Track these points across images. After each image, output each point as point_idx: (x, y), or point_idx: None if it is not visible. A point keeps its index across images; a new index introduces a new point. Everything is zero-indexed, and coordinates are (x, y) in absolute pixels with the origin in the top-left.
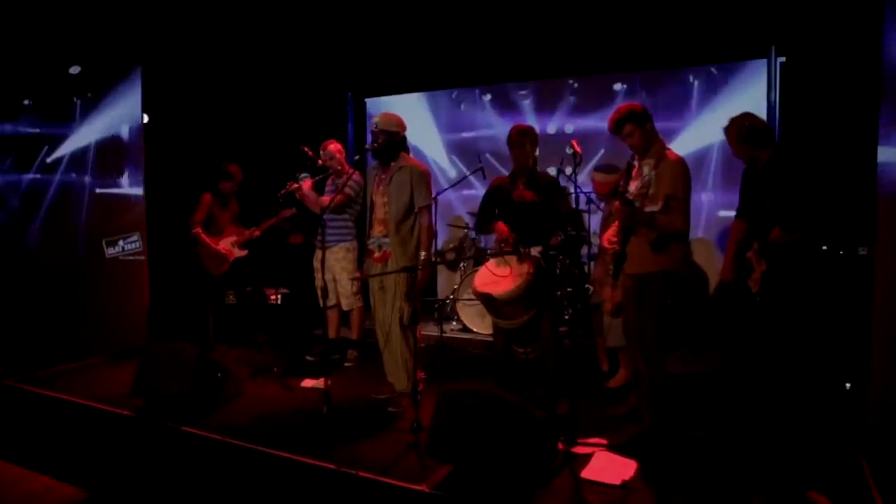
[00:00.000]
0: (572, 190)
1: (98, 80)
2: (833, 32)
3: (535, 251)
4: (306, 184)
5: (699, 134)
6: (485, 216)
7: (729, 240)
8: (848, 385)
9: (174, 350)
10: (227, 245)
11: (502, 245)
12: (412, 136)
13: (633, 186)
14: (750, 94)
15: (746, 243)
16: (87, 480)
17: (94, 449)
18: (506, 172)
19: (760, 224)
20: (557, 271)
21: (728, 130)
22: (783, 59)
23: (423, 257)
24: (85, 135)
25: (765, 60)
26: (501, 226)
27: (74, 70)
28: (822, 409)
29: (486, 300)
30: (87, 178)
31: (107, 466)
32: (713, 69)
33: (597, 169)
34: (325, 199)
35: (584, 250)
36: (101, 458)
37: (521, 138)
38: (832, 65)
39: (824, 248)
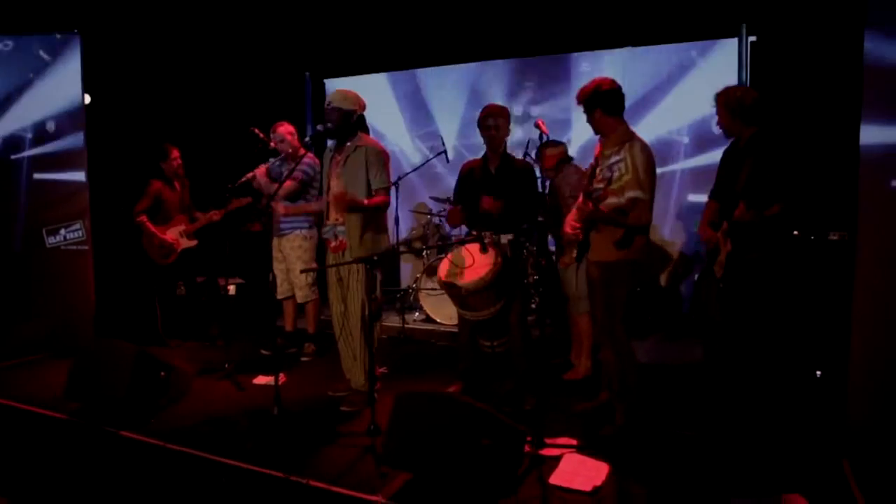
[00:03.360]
0: (538, 173)
1: (33, 54)
2: (805, 11)
3: (504, 239)
4: (259, 171)
5: (668, 115)
6: (460, 203)
7: (701, 222)
8: (818, 373)
9: (111, 348)
10: (175, 234)
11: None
12: (374, 119)
13: (596, 175)
14: (720, 74)
15: (715, 224)
16: (13, 490)
17: (24, 455)
18: (469, 156)
19: (731, 204)
20: (525, 259)
21: (719, 97)
22: (754, 38)
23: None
24: (21, 114)
25: (735, 39)
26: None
27: (6, 45)
28: (797, 401)
29: (451, 291)
30: (25, 162)
31: (37, 475)
32: (683, 48)
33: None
34: (275, 185)
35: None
36: (30, 466)
37: (494, 118)
38: (804, 44)
39: (795, 232)
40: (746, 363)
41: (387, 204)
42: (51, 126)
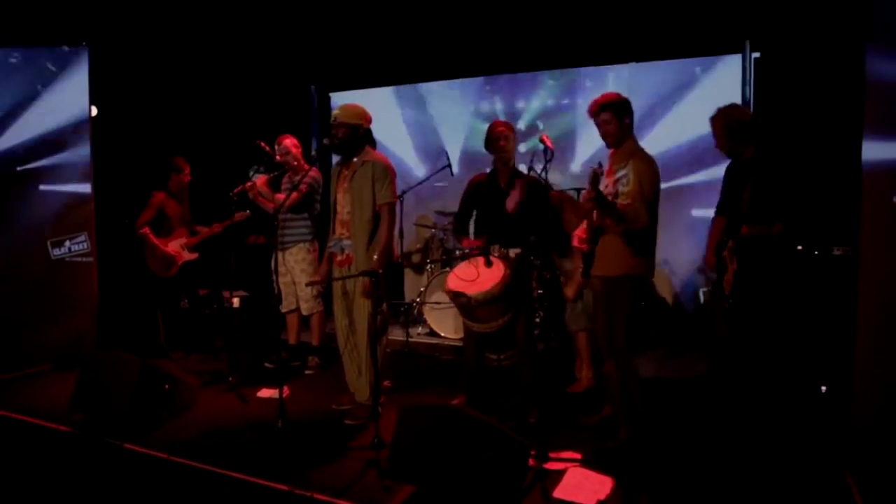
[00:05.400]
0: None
1: (41, 66)
2: (808, 27)
3: (513, 252)
4: (260, 181)
5: (672, 131)
6: (463, 217)
7: (709, 238)
8: (823, 388)
9: (116, 360)
10: (177, 247)
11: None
12: (378, 133)
13: (604, 185)
14: (724, 90)
15: (723, 242)
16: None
17: (28, 469)
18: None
19: (737, 221)
20: (532, 273)
21: (715, 121)
22: (758, 54)
23: (374, 259)
24: (28, 125)
25: (739, 55)
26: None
27: (15, 58)
28: (802, 416)
29: (460, 301)
30: (31, 173)
31: (40, 488)
32: (687, 64)
33: None
34: (281, 196)
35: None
36: (34, 479)
37: (504, 133)
38: (807, 60)
39: (799, 247)
40: (753, 378)
41: (390, 228)
42: (57, 138)
